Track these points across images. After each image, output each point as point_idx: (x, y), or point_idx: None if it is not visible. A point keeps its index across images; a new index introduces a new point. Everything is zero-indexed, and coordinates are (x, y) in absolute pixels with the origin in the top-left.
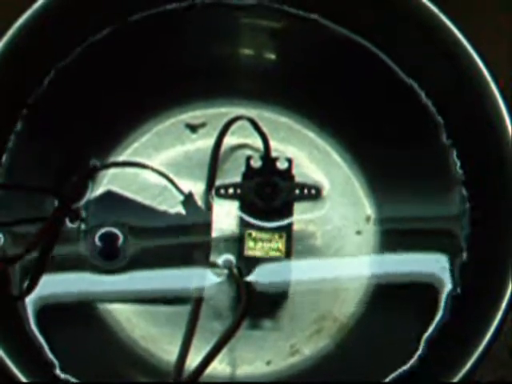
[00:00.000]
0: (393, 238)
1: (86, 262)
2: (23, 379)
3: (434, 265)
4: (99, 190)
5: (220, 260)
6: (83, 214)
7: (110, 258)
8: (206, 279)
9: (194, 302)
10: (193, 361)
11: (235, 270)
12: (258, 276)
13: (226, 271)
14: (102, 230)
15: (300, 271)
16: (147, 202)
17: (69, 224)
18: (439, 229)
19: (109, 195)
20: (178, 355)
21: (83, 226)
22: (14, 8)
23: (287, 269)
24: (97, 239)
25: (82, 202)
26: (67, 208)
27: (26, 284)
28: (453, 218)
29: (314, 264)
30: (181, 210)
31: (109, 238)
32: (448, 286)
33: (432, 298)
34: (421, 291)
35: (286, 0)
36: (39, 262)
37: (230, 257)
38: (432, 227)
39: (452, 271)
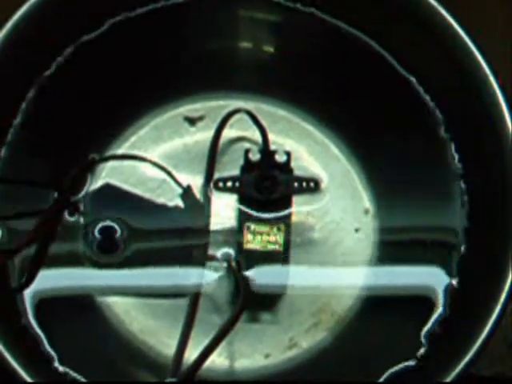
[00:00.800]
0: (391, 233)
1: (84, 256)
2: (21, 372)
3: (433, 259)
4: (98, 183)
5: (219, 253)
6: (82, 207)
7: (108, 252)
8: (204, 272)
9: (193, 295)
10: (191, 354)
11: (234, 264)
12: (257, 269)
13: (224, 265)
14: (101, 224)
15: (298, 264)
16: (146, 195)
17: (67, 217)
18: (437, 223)
19: (107, 188)
20: (176, 348)
21: (82, 220)
22: (12, 2)
23: (286, 262)
24: (96, 232)
25: (81, 194)
26: (66, 201)
27: (24, 277)
28: (451, 212)
29: (313, 257)
30: (179, 203)
31: (107, 232)
32: (447, 281)
33: (431, 293)
34: (420, 287)
35: None
36: (38, 254)
37: (229, 250)
38: (430, 221)
39: (451, 265)
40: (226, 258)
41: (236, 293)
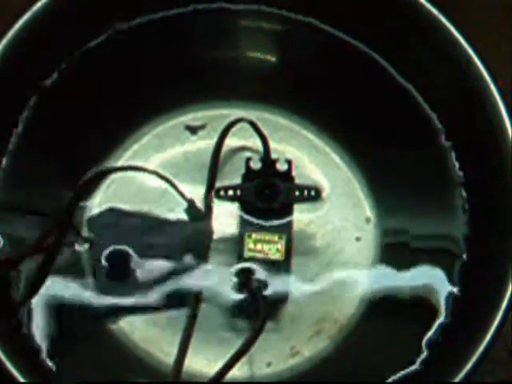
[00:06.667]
0: (393, 241)
1: (86, 268)
2: (21, 380)
3: (434, 267)
4: (99, 193)
5: (235, 268)
6: (86, 232)
7: (120, 279)
8: (205, 281)
9: (194, 303)
10: (191, 362)
11: (255, 284)
12: (258, 277)
13: (243, 281)
14: (109, 250)
15: (300, 273)
16: (147, 204)
17: (77, 248)
18: (439, 231)
19: (110, 212)
20: (176, 357)
21: (84, 248)
22: (13, 11)
23: (287, 270)
24: (103, 260)
25: (83, 206)
26: (69, 218)
27: (28, 289)
28: (452, 220)
29: (314, 266)
30: (181, 211)
31: (117, 257)
32: (448, 288)
33: (432, 300)
34: (421, 294)
35: (284, 5)
36: (42, 267)
37: (251, 265)
38: (432, 230)
39: (452, 273)
40: (247, 276)
41: (255, 312)
